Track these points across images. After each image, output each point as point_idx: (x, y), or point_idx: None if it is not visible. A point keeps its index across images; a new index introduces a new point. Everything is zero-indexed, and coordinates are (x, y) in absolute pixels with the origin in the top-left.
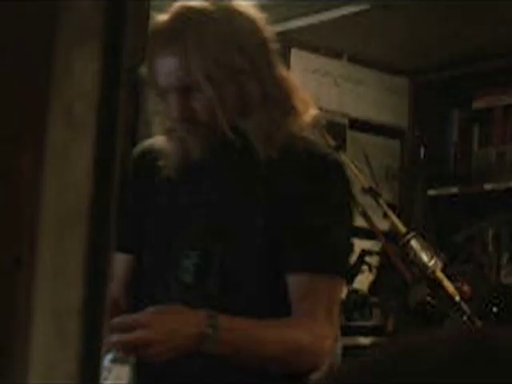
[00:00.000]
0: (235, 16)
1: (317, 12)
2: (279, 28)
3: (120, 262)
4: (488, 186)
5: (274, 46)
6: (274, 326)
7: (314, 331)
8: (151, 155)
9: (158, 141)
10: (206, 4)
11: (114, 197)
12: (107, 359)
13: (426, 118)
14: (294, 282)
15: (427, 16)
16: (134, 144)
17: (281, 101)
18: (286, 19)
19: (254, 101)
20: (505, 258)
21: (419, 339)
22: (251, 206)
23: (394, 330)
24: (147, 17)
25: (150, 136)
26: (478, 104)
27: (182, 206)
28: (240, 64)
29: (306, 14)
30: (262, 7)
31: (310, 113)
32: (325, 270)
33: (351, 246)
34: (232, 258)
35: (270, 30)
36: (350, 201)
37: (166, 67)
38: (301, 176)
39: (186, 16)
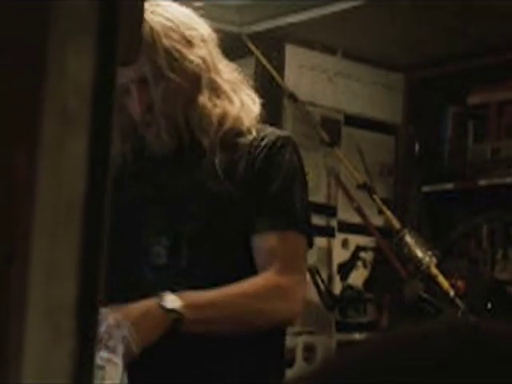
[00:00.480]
0: (176, 11)
1: (311, 8)
2: (274, 24)
3: None
4: (483, 182)
5: (215, 39)
6: (239, 291)
7: (280, 284)
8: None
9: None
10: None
11: (109, 195)
12: (98, 358)
13: (420, 114)
14: (255, 245)
15: (422, 12)
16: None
17: (228, 92)
18: (281, 15)
19: (202, 93)
20: (499, 253)
21: (409, 333)
22: (211, 188)
23: (388, 326)
24: (142, 12)
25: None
26: (472, 100)
27: (146, 198)
28: (189, 57)
29: (300, 10)
30: (256, 4)
31: (255, 109)
32: (284, 228)
33: (308, 208)
34: (200, 236)
35: (207, 26)
36: (299, 167)
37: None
38: (254, 153)
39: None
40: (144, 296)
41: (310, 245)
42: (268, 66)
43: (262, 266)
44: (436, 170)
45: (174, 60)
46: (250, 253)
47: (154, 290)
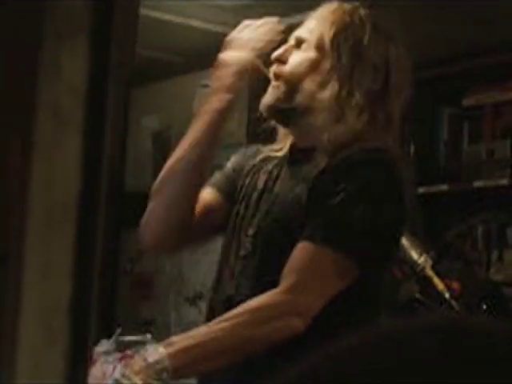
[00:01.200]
0: None
1: (307, 10)
2: None
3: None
4: (478, 184)
5: None
6: (227, 323)
7: (282, 301)
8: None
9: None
10: None
11: (102, 194)
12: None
13: (415, 116)
14: (294, 249)
15: (417, 14)
16: (124, 143)
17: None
18: (276, 17)
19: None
20: (494, 255)
21: (386, 333)
22: (297, 196)
23: None
24: (137, 13)
25: (139, 135)
26: (467, 101)
27: (255, 194)
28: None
29: (296, 12)
30: (252, 6)
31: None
32: (321, 243)
33: (373, 231)
34: (271, 235)
35: None
36: (380, 187)
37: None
38: (337, 169)
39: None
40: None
41: (363, 268)
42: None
43: (283, 274)
44: (431, 171)
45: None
46: None
47: (234, 278)
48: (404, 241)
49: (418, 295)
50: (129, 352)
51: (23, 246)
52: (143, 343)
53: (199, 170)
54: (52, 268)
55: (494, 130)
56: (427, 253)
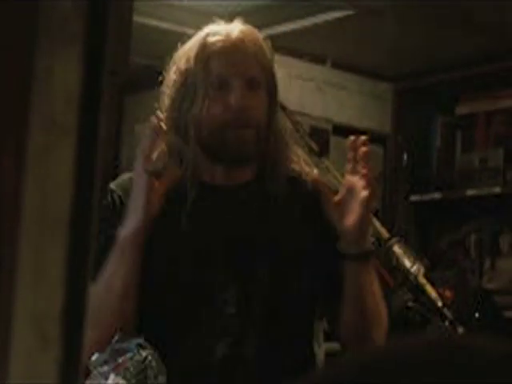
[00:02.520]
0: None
1: (301, 18)
2: (263, 33)
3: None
4: (471, 192)
5: None
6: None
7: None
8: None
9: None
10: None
11: (96, 202)
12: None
13: (409, 124)
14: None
15: (411, 22)
16: (118, 151)
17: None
18: (270, 24)
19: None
20: (487, 263)
21: (385, 353)
22: (283, 233)
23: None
24: (130, 20)
25: (132, 143)
26: (461, 110)
27: (205, 238)
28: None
29: (289, 20)
30: (246, 12)
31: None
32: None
33: None
34: (276, 285)
35: None
36: None
37: (235, 57)
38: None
39: (246, 26)
40: (197, 340)
41: None
42: None
43: None
44: (424, 180)
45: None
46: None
47: (212, 336)
48: (397, 249)
49: (410, 303)
50: (120, 360)
51: (16, 255)
52: (138, 348)
53: (130, 289)
54: (44, 276)
55: (487, 139)
56: (420, 261)
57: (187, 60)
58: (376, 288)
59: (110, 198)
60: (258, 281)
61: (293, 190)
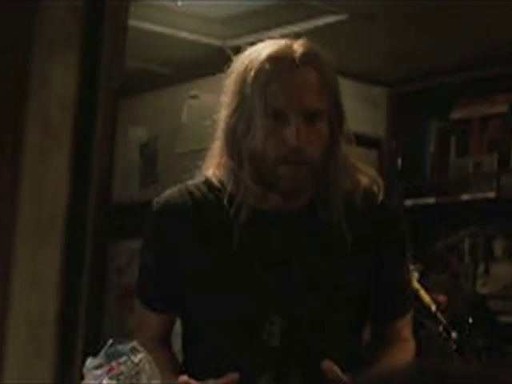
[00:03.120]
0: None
1: (294, 23)
2: (257, 37)
3: (151, 320)
4: (465, 197)
5: None
6: (396, 358)
7: (412, 350)
8: (181, 206)
9: (181, 192)
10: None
11: (91, 206)
12: None
13: (403, 129)
14: (389, 326)
15: (405, 27)
16: (112, 154)
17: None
18: (264, 29)
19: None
20: (481, 268)
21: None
22: (335, 263)
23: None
24: (126, 24)
25: (127, 146)
26: (455, 114)
27: (251, 265)
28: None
29: (284, 24)
30: (239, 17)
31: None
32: (408, 312)
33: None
34: (321, 320)
35: None
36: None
37: (295, 87)
38: (373, 229)
39: (310, 48)
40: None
41: None
42: None
43: (397, 340)
44: (418, 184)
45: (339, 106)
46: (360, 335)
47: (257, 370)
48: None
49: None
50: (114, 364)
51: (11, 259)
52: (132, 352)
53: None
54: (39, 280)
55: (481, 144)
56: (414, 265)
57: (244, 80)
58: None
59: (155, 218)
60: (305, 313)
61: (345, 210)
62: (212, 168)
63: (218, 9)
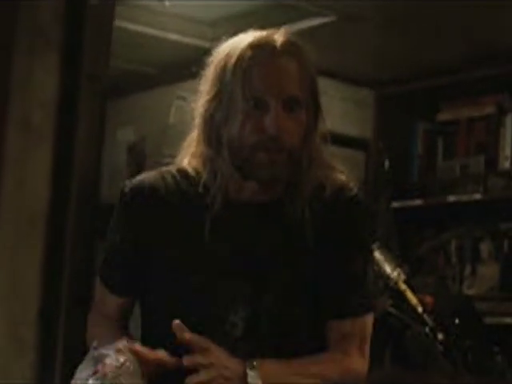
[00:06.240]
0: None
1: (283, 24)
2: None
3: (109, 300)
4: (452, 198)
5: None
6: (311, 362)
7: (347, 366)
8: (155, 192)
9: (155, 176)
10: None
11: (72, 206)
12: None
13: (390, 130)
14: (333, 327)
15: (392, 29)
16: (100, 155)
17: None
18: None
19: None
20: (467, 269)
21: None
22: (296, 258)
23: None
24: (111, 25)
25: (114, 147)
26: (442, 116)
27: (217, 253)
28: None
29: (272, 26)
30: (227, 19)
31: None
32: (361, 313)
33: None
34: (281, 308)
35: None
36: (370, 239)
37: (274, 75)
38: (333, 222)
39: (290, 39)
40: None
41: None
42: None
43: (337, 349)
44: (405, 186)
45: (316, 95)
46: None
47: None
48: (378, 255)
49: (391, 309)
50: (99, 366)
51: None
52: (116, 353)
53: None
54: (20, 281)
55: (468, 146)
56: (401, 267)
57: (224, 67)
58: None
59: (125, 199)
60: (266, 303)
61: (314, 202)
62: (187, 157)
63: (206, 10)
